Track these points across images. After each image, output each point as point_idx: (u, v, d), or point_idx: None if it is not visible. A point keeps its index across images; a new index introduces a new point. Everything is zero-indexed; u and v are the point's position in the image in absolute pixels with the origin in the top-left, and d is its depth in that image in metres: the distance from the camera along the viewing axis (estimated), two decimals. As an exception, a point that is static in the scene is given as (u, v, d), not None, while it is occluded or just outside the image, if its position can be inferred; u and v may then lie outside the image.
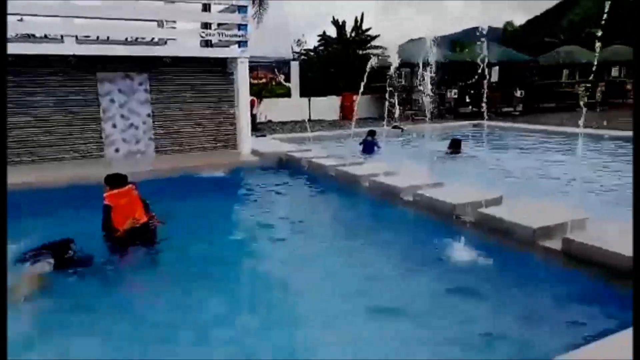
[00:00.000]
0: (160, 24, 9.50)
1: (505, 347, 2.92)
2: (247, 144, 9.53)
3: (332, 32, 27.36)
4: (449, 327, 3.15)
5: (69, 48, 7.84)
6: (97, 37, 9.05)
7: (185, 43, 9.56)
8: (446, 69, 15.53)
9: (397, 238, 4.84)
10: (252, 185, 7.59)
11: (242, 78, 9.22)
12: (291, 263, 4.41)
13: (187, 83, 9.30)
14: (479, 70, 7.01)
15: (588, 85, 21.51)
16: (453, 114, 18.10)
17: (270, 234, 5.27)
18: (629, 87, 23.07)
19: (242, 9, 8.99)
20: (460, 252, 4.10)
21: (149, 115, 9.05)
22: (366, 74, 8.95)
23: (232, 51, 9.23)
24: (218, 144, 9.71)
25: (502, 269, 3.89)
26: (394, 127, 12.57)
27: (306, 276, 4.03)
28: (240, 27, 8.95)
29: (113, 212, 4.45)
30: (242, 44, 9.03)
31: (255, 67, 25.22)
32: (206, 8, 9.37)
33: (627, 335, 2.49)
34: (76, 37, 8.10)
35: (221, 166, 7.97)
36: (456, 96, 18.57)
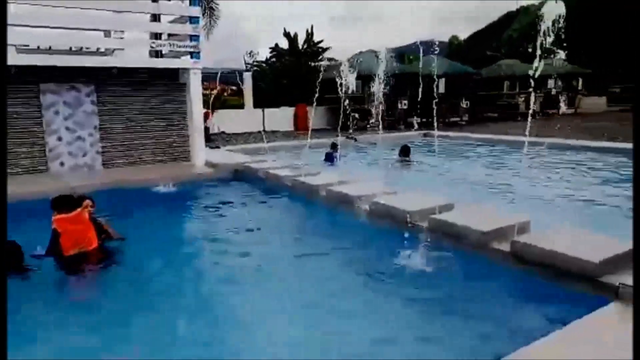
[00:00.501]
0: (107, 33, 9.23)
1: (459, 341, 3.05)
2: (201, 155, 9.39)
3: (284, 44, 27.59)
4: (397, 319, 3.29)
5: (9, 58, 7.44)
6: (38, 47, 8.65)
7: (134, 53, 9.32)
8: (396, 80, 16.02)
9: (353, 245, 4.92)
10: (206, 197, 7.47)
11: (195, 89, 9.11)
12: (247, 274, 4.36)
13: (137, 94, 9.05)
14: (428, 82, 7.32)
15: (527, 96, 22.84)
16: (404, 124, 18.64)
17: (225, 246, 5.19)
18: (562, 98, 24.71)
19: (193, 19, 8.91)
20: (415, 256, 4.22)
21: (96, 127, 8.72)
22: (317, 85, 9.09)
23: (184, 62, 9.10)
24: (170, 157, 9.49)
25: (454, 270, 4.06)
26: (348, 137, 12.81)
27: (262, 288, 4.01)
28: (192, 37, 8.86)
29: (61, 238, 4.22)
30: (194, 54, 8.94)
31: (207, 77, 24.97)
32: (156, 18, 9.21)
33: (570, 331, 2.68)
34: (16, 46, 7.71)
35: (173, 179, 7.79)
36: (406, 107, 19.16)
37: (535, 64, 5.16)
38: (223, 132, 17.25)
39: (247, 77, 19.84)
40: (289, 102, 20.06)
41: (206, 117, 12.72)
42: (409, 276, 4.03)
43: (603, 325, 2.75)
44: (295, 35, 27.18)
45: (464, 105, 20.38)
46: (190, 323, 3.45)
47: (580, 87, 28.11)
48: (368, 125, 15.45)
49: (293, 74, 23.45)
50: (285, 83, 22.96)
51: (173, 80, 9.28)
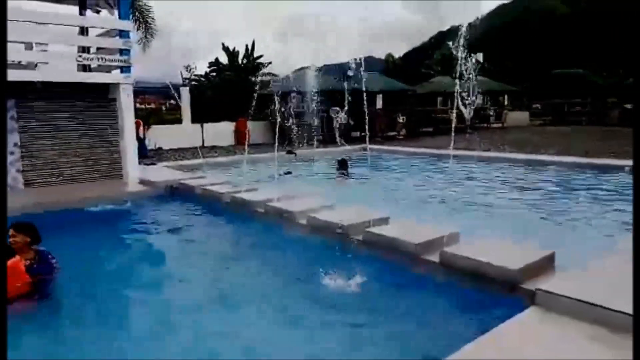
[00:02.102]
0: (28, 46, 8.70)
1: (395, 344, 3.15)
2: (134, 173, 9.01)
3: (224, 58, 27.38)
4: (334, 324, 3.32)
5: None
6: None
7: (59, 67, 8.83)
8: (336, 96, 16.34)
9: (291, 260, 4.93)
10: (139, 216, 7.15)
11: (126, 104, 8.77)
12: (182, 293, 4.22)
13: (64, 110, 8.57)
14: (367, 98, 7.53)
15: (459, 111, 24.07)
16: (344, 138, 19.00)
17: (160, 267, 5.00)
18: (491, 113, 26.33)
19: (124, 33, 8.62)
20: (347, 268, 4.29)
21: (16, 145, 8.14)
22: (254, 100, 9.07)
23: (114, 76, 8.76)
24: (101, 174, 9.03)
25: (385, 281, 4.19)
26: (288, 152, 12.84)
27: (197, 310, 3.89)
28: (123, 51, 8.56)
29: None
30: (124, 69, 8.62)
31: (142, 92, 24.15)
32: (83, 31, 8.82)
33: (492, 336, 2.81)
34: None
35: (103, 198, 7.41)
36: (346, 122, 19.55)
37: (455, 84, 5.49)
38: (160, 148, 16.71)
39: (185, 91, 19.41)
40: (230, 117, 19.83)
41: (138, 126, 12.24)
42: (340, 288, 4.07)
43: (522, 329, 2.91)
44: (235, 49, 27.08)
45: (401, 120, 21.11)
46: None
47: (506, 103, 30.08)
48: (308, 141, 15.58)
49: (233, 89, 23.27)
50: (226, 98, 22.71)
51: (103, 95, 8.88)
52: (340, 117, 19.64)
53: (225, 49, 27.18)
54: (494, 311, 3.25)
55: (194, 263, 5.18)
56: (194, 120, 19.22)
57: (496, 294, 3.48)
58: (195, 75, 27.18)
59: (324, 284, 4.16)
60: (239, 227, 6.46)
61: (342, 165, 10.27)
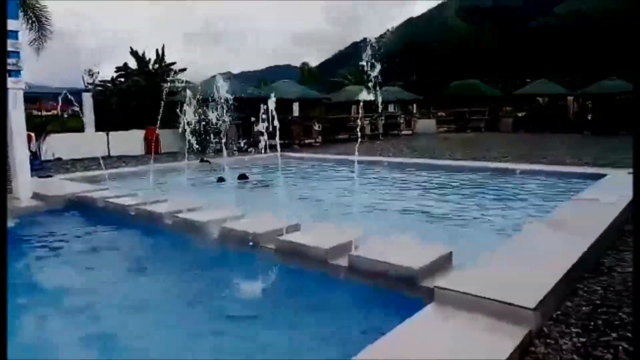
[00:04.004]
0: None
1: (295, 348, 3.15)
2: (27, 186, 8.19)
3: (133, 63, 26.03)
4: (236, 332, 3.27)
5: None
6: None
7: None
8: (252, 103, 16.19)
9: (201, 272, 4.77)
10: (32, 235, 6.49)
11: (16, 111, 7.96)
12: (80, 314, 3.90)
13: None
14: (283, 105, 7.53)
15: (371, 119, 25.09)
16: (260, 146, 18.88)
17: (56, 290, 4.57)
18: (401, 121, 27.76)
19: (12, 34, 7.83)
20: (258, 277, 4.25)
21: None
22: (162, 107, 8.71)
23: (1, 80, 7.92)
24: (-15, 189, 8.08)
25: (299, 286, 4.22)
26: (202, 160, 12.48)
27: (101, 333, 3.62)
28: (11, 54, 7.77)
29: None
30: (13, 72, 7.84)
31: (38, 97, 22.12)
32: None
33: (396, 335, 2.92)
34: None
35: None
36: (263, 129, 19.46)
37: (368, 92, 5.71)
38: (59, 159, 15.39)
39: (87, 97, 18.12)
40: (140, 124, 18.83)
41: (29, 139, 11.22)
42: (248, 297, 4.03)
43: (422, 326, 3.06)
44: (144, 54, 25.85)
45: (317, 128, 21.48)
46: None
47: (415, 111, 31.89)
48: (225, 148, 15.27)
49: (143, 95, 22.14)
50: (134, 104, 21.53)
51: (-13, 100, 7.99)
52: (258, 125, 19.55)
53: (134, 53, 25.84)
54: (397, 310, 3.38)
55: (87, 283, 4.79)
56: (99, 128, 17.98)
57: (399, 293, 3.63)
58: (100, 80, 25.50)
59: (231, 296, 4.07)
60: (145, 242, 6.12)
61: (241, 177, 10.35)
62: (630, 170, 9.08)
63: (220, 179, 10.29)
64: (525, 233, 5.19)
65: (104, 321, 3.86)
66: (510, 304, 3.07)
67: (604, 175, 8.52)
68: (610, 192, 6.73)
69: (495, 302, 3.11)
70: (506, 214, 7.11)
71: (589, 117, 26.52)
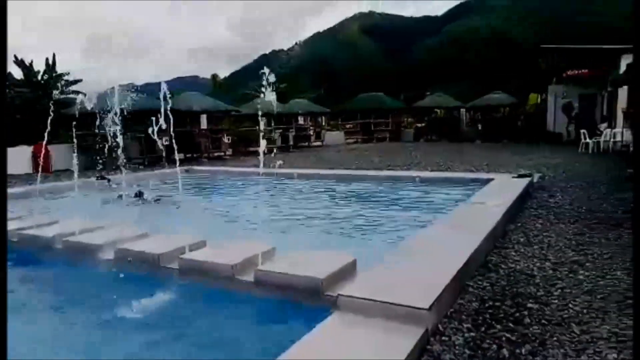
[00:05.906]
0: None
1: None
2: None
3: (18, 73, 23.69)
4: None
5: None
6: None
7: None
8: (156, 115, 15.43)
9: (97, 299, 4.38)
10: None
11: None
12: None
13: None
14: (190, 118, 7.28)
15: (282, 131, 25.25)
16: (166, 160, 18.08)
17: None
18: (311, 132, 28.28)
19: None
20: (159, 299, 4.05)
21: None
22: (51, 121, 8.00)
23: None
24: None
25: (200, 307, 4.09)
26: (99, 177, 11.63)
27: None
28: None
29: None
30: None
31: None
32: None
33: (303, 345, 2.93)
34: None
35: None
36: (168, 143, 18.66)
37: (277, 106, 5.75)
38: None
39: (-39, 110, 16.03)
40: (28, 140, 17.10)
41: None
42: (148, 320, 3.83)
43: (326, 334, 3.10)
44: (32, 63, 23.65)
45: (227, 140, 21.12)
46: None
47: (324, 123, 32.69)
48: (126, 165, 14.38)
49: (30, 108, 20.19)
50: (20, 118, 19.55)
51: None
52: (163, 138, 18.68)
53: (20, 62, 23.51)
54: (304, 322, 3.39)
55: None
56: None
57: (305, 304, 3.65)
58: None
59: (124, 324, 3.81)
60: (27, 272, 5.49)
61: (138, 195, 9.87)
62: (515, 174, 10.13)
63: (139, 194, 9.68)
64: (421, 236, 5.51)
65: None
66: (407, 305, 3.23)
67: (491, 180, 9.38)
68: (495, 196, 7.43)
69: (393, 305, 3.25)
70: (406, 218, 7.50)
71: (479, 127, 29.18)
